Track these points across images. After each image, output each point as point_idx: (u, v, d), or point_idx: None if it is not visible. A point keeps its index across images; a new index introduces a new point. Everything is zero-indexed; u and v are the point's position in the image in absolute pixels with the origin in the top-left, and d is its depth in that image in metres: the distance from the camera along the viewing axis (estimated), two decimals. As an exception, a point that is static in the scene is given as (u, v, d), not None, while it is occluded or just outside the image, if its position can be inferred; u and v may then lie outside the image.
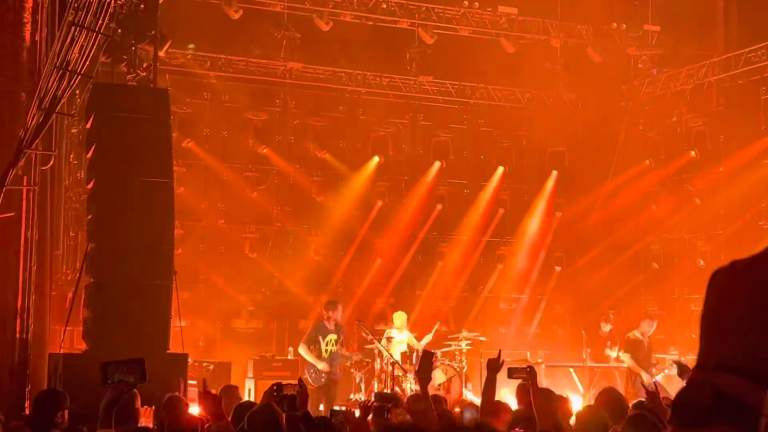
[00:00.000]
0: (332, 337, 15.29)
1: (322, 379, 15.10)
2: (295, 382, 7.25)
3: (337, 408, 11.40)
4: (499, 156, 20.33)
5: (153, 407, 8.15)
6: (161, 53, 14.26)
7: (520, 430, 7.18)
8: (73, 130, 16.93)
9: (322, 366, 15.09)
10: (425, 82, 19.69)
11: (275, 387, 7.06)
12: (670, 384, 13.91)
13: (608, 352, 16.55)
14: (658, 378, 15.10)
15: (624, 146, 19.78)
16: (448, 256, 20.12)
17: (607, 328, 17.16)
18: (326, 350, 15.27)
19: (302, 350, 15.37)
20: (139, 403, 7.05)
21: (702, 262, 18.49)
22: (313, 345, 15.28)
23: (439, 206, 20.17)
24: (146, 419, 7.59)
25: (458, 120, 20.19)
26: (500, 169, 20.35)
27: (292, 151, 19.23)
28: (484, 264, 20.35)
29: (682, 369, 6.11)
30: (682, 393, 1.36)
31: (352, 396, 16.14)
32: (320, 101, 19.35)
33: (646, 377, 15.05)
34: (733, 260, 1.42)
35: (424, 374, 7.16)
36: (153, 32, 13.49)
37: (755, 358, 1.33)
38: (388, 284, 19.64)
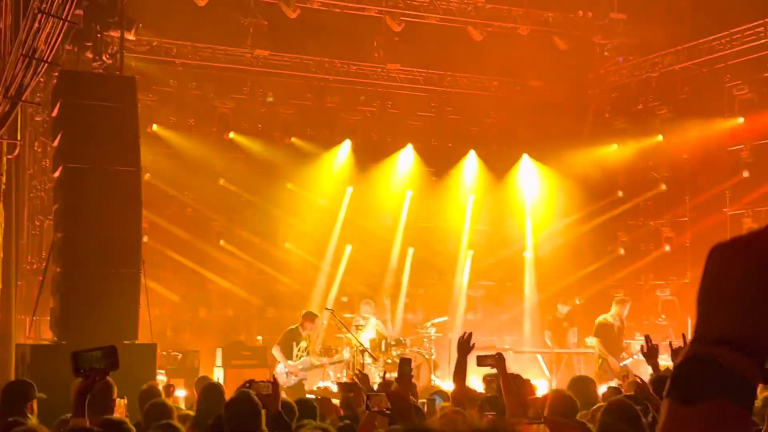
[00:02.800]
0: (304, 344, 15.53)
1: (292, 381, 15.31)
2: (268, 379, 7.25)
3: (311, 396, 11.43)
4: (467, 143, 20.34)
5: (125, 399, 8.11)
6: (131, 36, 14.13)
7: (490, 414, 7.23)
8: (38, 119, 16.74)
9: (292, 367, 15.27)
10: (393, 69, 19.67)
11: (247, 384, 7.04)
12: (638, 369, 14.04)
13: (586, 339, 16.69)
14: (627, 363, 15.26)
15: (591, 134, 19.91)
16: (419, 243, 20.12)
17: (564, 309, 17.32)
18: (297, 355, 15.59)
19: (275, 351, 15.78)
20: (115, 393, 7.01)
21: (668, 248, 18.69)
22: (287, 349, 15.60)
23: (410, 192, 20.19)
24: (119, 411, 7.53)
25: (426, 107, 20.20)
26: (469, 154, 20.39)
27: (259, 139, 19.14)
28: (454, 251, 20.39)
29: (674, 353, 6.17)
30: (680, 367, 1.37)
31: (320, 383, 16.16)
32: (287, 89, 19.28)
33: (612, 361, 15.20)
34: (734, 236, 1.43)
35: (404, 381, 7.25)
36: (118, 18, 13.38)
37: (755, 332, 1.35)
38: (358, 272, 19.62)
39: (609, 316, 15.78)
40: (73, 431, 5.31)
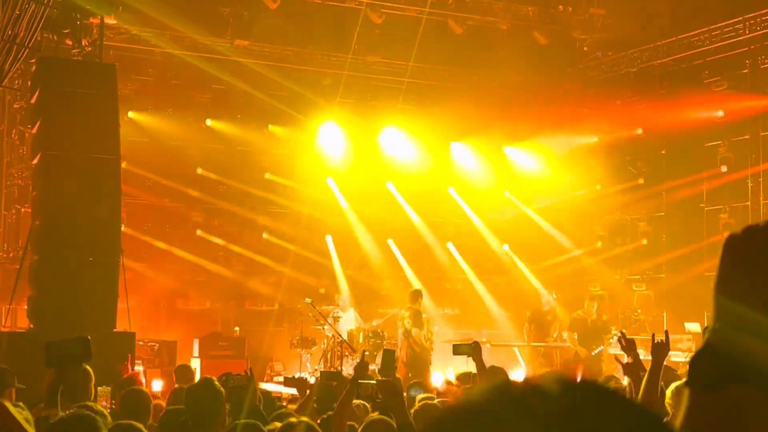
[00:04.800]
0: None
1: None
2: (245, 371, 7.22)
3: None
4: (447, 136, 20.35)
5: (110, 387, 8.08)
6: (111, 20, 14.03)
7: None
8: (15, 106, 16.60)
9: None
10: (373, 62, 19.64)
11: (224, 377, 7.01)
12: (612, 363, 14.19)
13: (564, 335, 16.93)
14: (596, 353, 15.56)
15: (571, 129, 19.94)
16: (397, 237, 20.14)
17: (548, 303, 17.59)
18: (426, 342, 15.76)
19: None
20: (93, 382, 6.97)
21: (645, 242, 18.81)
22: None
23: (389, 183, 20.21)
24: (102, 399, 7.51)
25: (406, 100, 20.15)
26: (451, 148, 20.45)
27: (238, 128, 19.07)
28: (433, 244, 20.43)
29: (658, 347, 6.19)
30: (699, 355, 1.38)
31: (297, 374, 16.13)
32: (267, 79, 19.18)
33: (583, 353, 15.55)
34: (748, 225, 1.44)
35: (388, 372, 7.23)
36: (98, 7, 13.29)
37: None
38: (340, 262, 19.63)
39: (582, 312, 16.11)
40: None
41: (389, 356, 7.48)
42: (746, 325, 1.33)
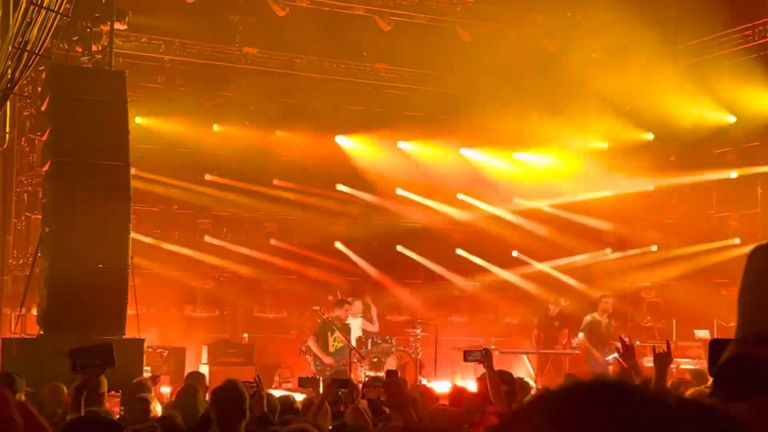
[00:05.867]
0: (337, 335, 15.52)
1: (326, 373, 15.25)
2: (254, 379, 7.24)
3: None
4: (455, 143, 20.34)
5: (120, 392, 8.11)
6: (122, 26, 14.07)
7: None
8: (25, 113, 16.65)
9: (327, 360, 15.21)
10: (381, 69, 19.67)
11: None
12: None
13: (574, 341, 16.94)
14: (610, 358, 15.48)
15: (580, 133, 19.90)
16: (405, 242, 20.12)
17: (555, 310, 17.55)
18: (333, 346, 15.49)
19: (311, 342, 15.67)
20: (105, 388, 7.00)
21: (655, 248, 18.78)
22: (321, 339, 15.56)
23: (399, 190, 20.21)
24: (111, 405, 7.54)
25: (414, 107, 20.14)
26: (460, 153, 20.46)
27: (246, 134, 19.07)
28: (442, 250, 20.40)
29: (660, 357, 6.18)
30: (724, 366, 1.38)
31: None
32: (275, 87, 19.20)
33: (598, 355, 15.54)
34: None
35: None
36: (105, 14, 13.34)
37: None
38: (344, 270, 19.61)
39: (596, 314, 16.19)
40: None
41: (393, 377, 7.50)
42: None
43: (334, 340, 15.55)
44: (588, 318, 16.26)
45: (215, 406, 6.07)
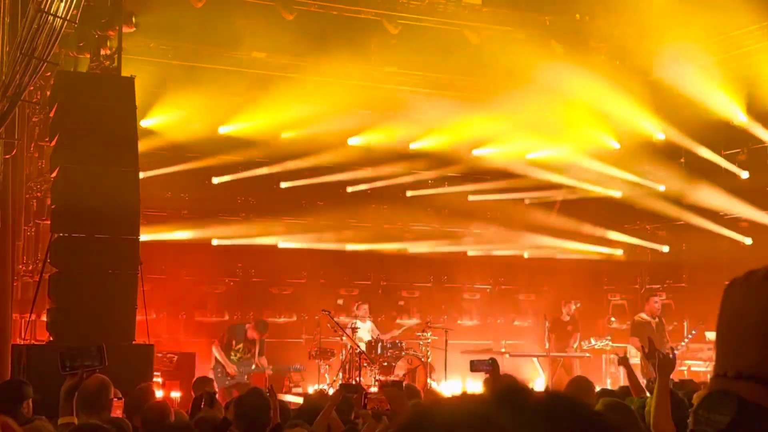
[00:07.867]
0: (241, 346, 15.65)
1: (227, 382, 15.27)
2: (266, 387, 7.22)
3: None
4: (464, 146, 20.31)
5: (122, 399, 8.07)
6: (129, 29, 14.08)
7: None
8: (34, 119, 16.67)
9: (230, 368, 15.39)
10: (390, 72, 19.64)
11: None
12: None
13: (594, 343, 16.84)
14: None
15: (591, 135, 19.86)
16: (413, 246, 20.10)
17: (568, 313, 17.49)
18: (235, 356, 15.62)
19: (214, 349, 15.87)
20: (112, 393, 6.97)
21: (666, 249, 18.72)
22: (227, 347, 15.73)
23: (409, 193, 20.19)
24: (116, 410, 7.51)
25: (423, 110, 20.09)
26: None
27: (255, 139, 19.06)
28: (450, 254, 20.37)
29: (663, 363, 6.14)
30: (704, 402, 1.37)
31: (317, 386, 16.14)
32: (284, 91, 19.17)
33: (633, 351, 15.15)
34: (749, 270, 1.43)
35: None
36: (112, 19, 13.36)
37: None
38: (352, 274, 19.60)
39: (644, 314, 16.02)
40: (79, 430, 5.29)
41: (398, 389, 7.42)
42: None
43: (237, 351, 15.62)
44: (636, 319, 16.04)
45: (240, 414, 6.06)
